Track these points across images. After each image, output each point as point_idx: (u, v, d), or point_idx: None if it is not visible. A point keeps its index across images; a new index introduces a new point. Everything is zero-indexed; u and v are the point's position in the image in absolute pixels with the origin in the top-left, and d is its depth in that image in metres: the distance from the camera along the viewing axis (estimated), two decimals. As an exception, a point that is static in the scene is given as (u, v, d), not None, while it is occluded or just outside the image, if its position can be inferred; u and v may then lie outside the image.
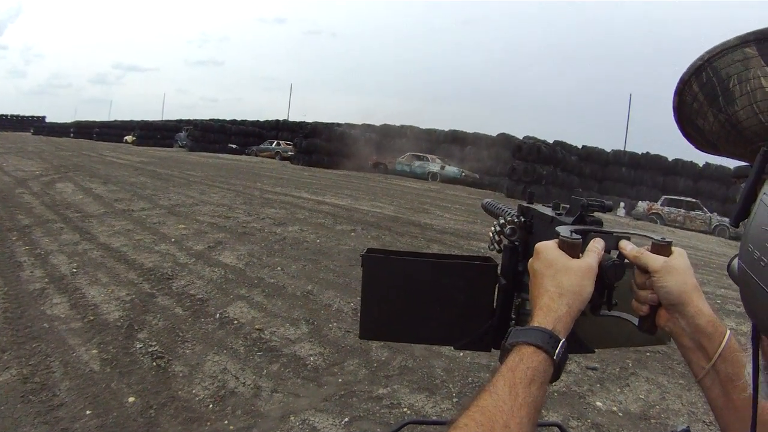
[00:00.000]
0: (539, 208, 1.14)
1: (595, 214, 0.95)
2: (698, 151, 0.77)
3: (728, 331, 0.80)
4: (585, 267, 0.79)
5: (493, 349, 1.19)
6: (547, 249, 0.83)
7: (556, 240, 0.83)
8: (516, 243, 1.16)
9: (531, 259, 0.85)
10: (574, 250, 0.82)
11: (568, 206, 1.05)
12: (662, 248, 0.83)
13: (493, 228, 1.21)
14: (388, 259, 1.22)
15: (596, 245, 0.83)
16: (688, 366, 0.84)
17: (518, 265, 1.14)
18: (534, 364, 0.71)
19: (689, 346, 0.82)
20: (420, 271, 1.20)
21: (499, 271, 1.17)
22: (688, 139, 0.77)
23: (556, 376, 0.73)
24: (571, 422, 3.96)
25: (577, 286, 0.78)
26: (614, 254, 0.85)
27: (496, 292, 1.17)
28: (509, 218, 1.23)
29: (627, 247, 0.85)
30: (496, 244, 1.21)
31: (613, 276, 0.81)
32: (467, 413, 0.68)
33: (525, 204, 1.21)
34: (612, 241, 0.86)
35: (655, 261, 0.82)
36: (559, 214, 1.02)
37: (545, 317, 0.76)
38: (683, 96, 0.70)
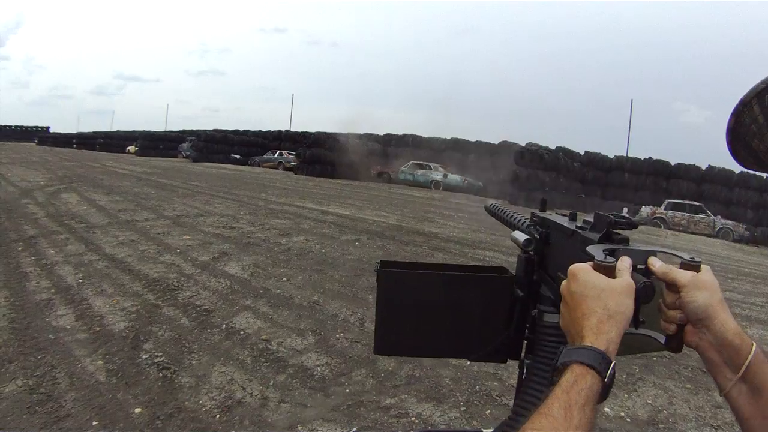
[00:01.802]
0: (555, 218, 1.12)
1: (621, 231, 0.93)
2: (742, 167, 0.77)
3: (754, 344, 0.81)
4: (626, 286, 0.79)
5: (509, 360, 1.21)
6: (584, 272, 0.82)
7: (591, 262, 0.83)
8: (532, 254, 1.15)
9: (565, 282, 0.85)
10: (610, 273, 0.81)
11: (582, 214, 1.05)
12: (691, 268, 0.83)
13: None
14: (403, 273, 1.22)
15: (625, 264, 0.83)
16: (714, 379, 0.85)
17: (534, 275, 1.13)
18: (587, 384, 0.71)
19: (715, 360, 0.83)
20: (435, 285, 1.20)
21: (514, 282, 1.17)
22: (735, 157, 0.77)
23: (603, 398, 0.73)
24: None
25: (622, 306, 0.78)
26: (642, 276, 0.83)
27: (511, 304, 1.16)
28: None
29: (656, 264, 0.85)
30: None
31: (645, 297, 0.80)
32: None
33: (538, 212, 1.20)
34: (639, 257, 0.85)
35: (683, 276, 0.82)
36: (580, 228, 1.00)
37: (597, 338, 0.75)
38: (741, 117, 0.70)
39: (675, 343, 0.85)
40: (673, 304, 0.83)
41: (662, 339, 0.86)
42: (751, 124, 0.70)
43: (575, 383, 0.71)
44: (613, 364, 0.73)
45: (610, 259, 0.82)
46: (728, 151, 0.78)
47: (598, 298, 0.78)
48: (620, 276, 0.81)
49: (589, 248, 0.86)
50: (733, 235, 24.56)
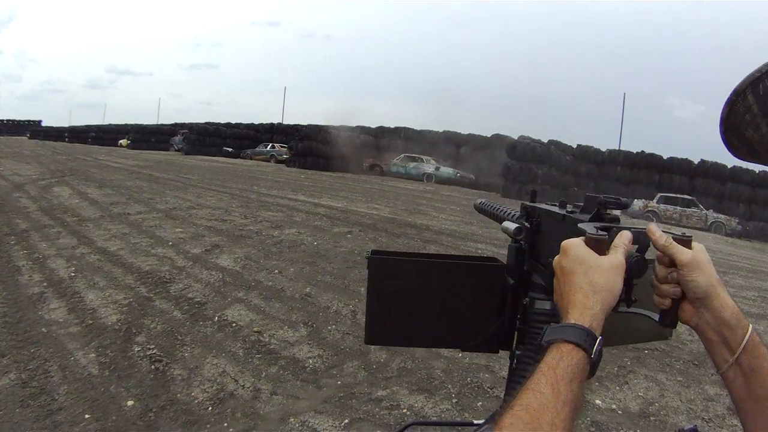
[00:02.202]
0: (546, 206, 1.13)
1: (612, 211, 0.94)
2: (734, 157, 0.78)
3: (750, 325, 0.82)
4: (616, 263, 0.80)
5: (501, 351, 1.21)
6: (575, 246, 0.83)
7: (583, 237, 0.83)
8: (522, 242, 1.15)
9: (557, 257, 0.85)
10: (600, 246, 0.81)
11: (572, 203, 1.06)
12: (683, 243, 0.83)
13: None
14: (393, 260, 1.21)
15: (623, 239, 0.83)
16: (711, 359, 0.85)
17: (525, 264, 1.14)
18: (574, 361, 0.71)
19: (713, 339, 0.83)
20: (426, 272, 1.19)
21: (505, 271, 1.17)
22: (728, 147, 0.78)
23: (591, 374, 0.74)
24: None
25: (609, 283, 0.78)
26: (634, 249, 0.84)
27: (503, 293, 1.17)
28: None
29: (656, 233, 0.85)
30: None
31: (637, 271, 0.81)
32: (511, 412, 0.68)
33: (529, 203, 1.20)
34: (635, 234, 0.85)
35: (684, 254, 0.82)
36: (570, 212, 1.01)
37: (581, 315, 0.76)
38: (735, 107, 0.71)
39: (669, 318, 0.84)
40: (665, 278, 0.83)
41: (656, 317, 0.85)
42: (745, 114, 0.71)
43: (561, 360, 0.71)
44: (599, 339, 0.74)
45: (601, 232, 0.83)
46: (722, 141, 0.78)
47: (585, 274, 0.79)
48: (615, 253, 0.81)
49: (581, 225, 0.87)
50: (725, 229, 24.61)
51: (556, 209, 1.07)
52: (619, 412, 4.24)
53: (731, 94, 0.72)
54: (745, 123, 0.71)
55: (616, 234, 0.84)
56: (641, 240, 0.84)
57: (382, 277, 1.18)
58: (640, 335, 1.09)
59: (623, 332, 1.10)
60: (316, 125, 36.99)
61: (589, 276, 0.78)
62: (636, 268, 0.80)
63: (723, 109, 0.73)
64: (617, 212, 0.95)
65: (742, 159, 0.79)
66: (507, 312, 1.16)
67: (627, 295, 0.82)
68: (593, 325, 0.75)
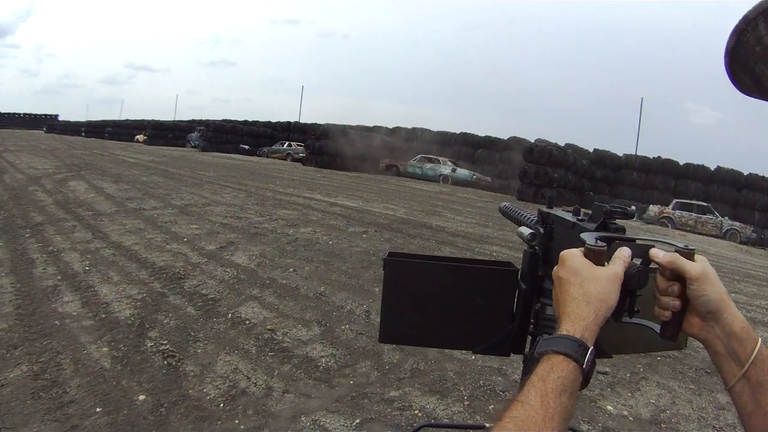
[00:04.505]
0: (559, 213, 1.13)
1: (618, 221, 0.94)
2: (742, 94, 0.73)
3: (759, 338, 0.81)
4: (611, 274, 0.79)
5: (512, 354, 1.22)
6: (572, 257, 0.83)
7: (582, 248, 0.84)
8: (536, 248, 1.16)
9: (556, 267, 0.85)
10: (599, 258, 0.82)
11: (590, 212, 1.05)
12: (686, 256, 0.82)
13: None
14: (409, 263, 1.23)
15: (623, 254, 0.83)
16: (719, 373, 0.84)
17: (538, 270, 1.15)
18: (564, 373, 0.71)
19: (722, 353, 0.82)
20: (441, 275, 1.21)
21: (519, 277, 1.18)
22: (734, 81, 0.72)
23: (585, 384, 0.74)
24: (582, 425, 3.91)
25: (603, 294, 0.78)
26: (637, 261, 0.83)
27: (516, 298, 1.18)
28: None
29: (659, 254, 0.83)
30: None
31: (637, 283, 0.81)
32: (500, 424, 0.68)
33: (545, 209, 1.21)
34: (637, 249, 0.85)
35: (693, 268, 0.80)
36: (581, 220, 1.01)
37: (573, 325, 0.76)
38: (744, 36, 0.65)
39: (670, 331, 0.83)
40: (665, 291, 0.82)
41: (657, 328, 0.85)
42: (755, 45, 0.65)
43: (551, 371, 0.71)
44: (590, 350, 0.73)
45: (600, 243, 0.82)
46: (727, 74, 0.73)
47: (580, 284, 0.79)
48: (614, 265, 0.81)
49: (582, 234, 0.87)
50: (740, 236, 24.39)
51: (568, 216, 1.07)
52: (630, 418, 4.18)
53: (739, 22, 0.65)
54: (755, 56, 0.65)
55: (618, 247, 0.84)
56: (644, 253, 0.84)
57: (398, 279, 1.21)
58: (652, 345, 1.09)
59: (636, 341, 1.11)
60: (333, 124, 37.11)
61: (584, 287, 0.79)
62: (636, 279, 0.80)
63: (729, 39, 0.67)
64: (627, 221, 0.95)
65: (749, 95, 0.73)
66: (519, 317, 1.18)
67: (630, 306, 0.83)
68: (585, 335, 0.75)
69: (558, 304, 0.82)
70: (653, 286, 0.84)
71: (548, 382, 0.70)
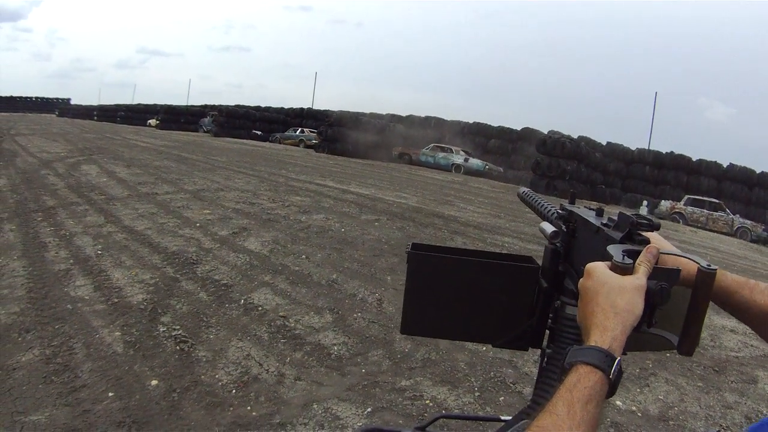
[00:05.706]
0: (582, 212, 1.15)
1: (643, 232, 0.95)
2: None
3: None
4: (637, 285, 0.81)
5: (530, 348, 1.24)
6: (598, 269, 0.85)
7: (608, 262, 0.85)
8: (558, 245, 1.17)
9: (582, 279, 0.87)
10: (625, 273, 0.83)
11: (603, 210, 1.11)
12: (708, 277, 0.84)
13: None
14: (433, 256, 1.25)
15: (648, 256, 0.85)
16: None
17: (559, 266, 1.16)
18: (590, 383, 0.74)
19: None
20: (464, 270, 1.23)
21: (539, 273, 1.20)
22: None
23: (611, 393, 0.76)
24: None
25: (630, 305, 0.80)
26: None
27: (536, 293, 1.20)
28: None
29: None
30: None
31: (659, 300, 0.82)
32: None
33: (567, 205, 1.22)
34: (663, 274, 0.86)
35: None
36: (605, 225, 1.01)
37: (601, 336, 0.78)
38: None
39: (687, 346, 0.86)
40: None
41: (675, 340, 0.87)
42: None
43: (579, 381, 0.74)
44: (617, 360, 0.75)
45: (627, 260, 0.84)
46: None
47: (608, 295, 0.81)
48: (639, 274, 0.83)
49: (609, 248, 0.88)
50: (750, 234, 24.15)
51: (592, 218, 1.08)
52: (639, 414, 4.16)
53: None
54: None
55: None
56: (670, 275, 0.85)
57: (420, 272, 1.23)
58: (659, 345, 1.07)
59: (650, 339, 1.10)
60: (346, 111, 37.03)
61: (611, 298, 0.81)
62: (659, 296, 0.82)
63: None
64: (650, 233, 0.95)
65: None
66: (538, 312, 1.20)
67: (649, 317, 0.84)
68: (613, 346, 0.77)
69: (585, 315, 0.84)
70: (674, 302, 0.85)
71: (575, 392, 0.73)
